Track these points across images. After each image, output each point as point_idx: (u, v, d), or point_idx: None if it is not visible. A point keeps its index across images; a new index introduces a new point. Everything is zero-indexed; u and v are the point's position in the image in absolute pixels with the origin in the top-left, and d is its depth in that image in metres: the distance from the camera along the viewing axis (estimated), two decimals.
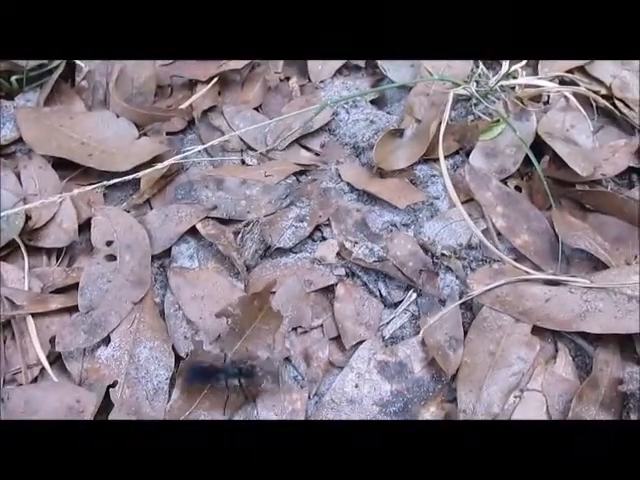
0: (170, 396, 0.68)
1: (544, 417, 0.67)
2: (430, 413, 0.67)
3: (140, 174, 0.81)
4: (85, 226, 0.83)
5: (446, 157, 0.89)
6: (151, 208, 0.86)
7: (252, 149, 0.95)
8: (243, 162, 0.93)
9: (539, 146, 0.89)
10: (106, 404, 0.67)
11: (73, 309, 0.74)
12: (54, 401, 0.64)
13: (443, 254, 0.80)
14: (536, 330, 0.72)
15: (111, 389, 0.67)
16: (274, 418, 0.68)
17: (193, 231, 0.82)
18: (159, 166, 0.83)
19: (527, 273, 0.76)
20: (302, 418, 0.68)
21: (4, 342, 0.72)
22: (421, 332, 0.71)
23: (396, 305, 0.76)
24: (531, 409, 0.68)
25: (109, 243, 0.79)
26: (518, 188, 0.88)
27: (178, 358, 0.71)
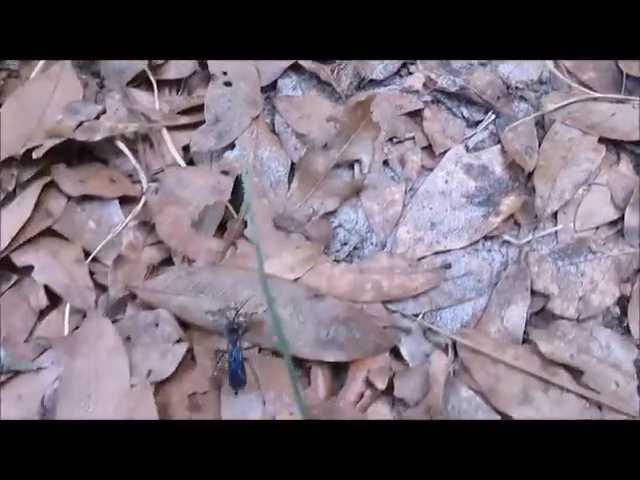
0: (290, 186, 0.81)
1: (610, 206, 0.79)
2: (510, 200, 0.79)
3: None
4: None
5: None
6: None
7: None
8: None
9: None
10: (236, 189, 0.80)
11: (199, 124, 0.86)
12: (200, 180, 0.78)
13: (517, 87, 0.91)
14: (602, 142, 0.83)
15: (243, 176, 0.80)
16: (376, 208, 0.81)
17: (294, 67, 0.93)
18: None
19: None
20: (400, 208, 0.80)
21: (144, 151, 0.86)
22: (502, 135, 0.83)
23: (477, 124, 0.88)
24: (597, 198, 0.79)
25: (225, 73, 0.90)
26: None
27: (292, 164, 0.84)
